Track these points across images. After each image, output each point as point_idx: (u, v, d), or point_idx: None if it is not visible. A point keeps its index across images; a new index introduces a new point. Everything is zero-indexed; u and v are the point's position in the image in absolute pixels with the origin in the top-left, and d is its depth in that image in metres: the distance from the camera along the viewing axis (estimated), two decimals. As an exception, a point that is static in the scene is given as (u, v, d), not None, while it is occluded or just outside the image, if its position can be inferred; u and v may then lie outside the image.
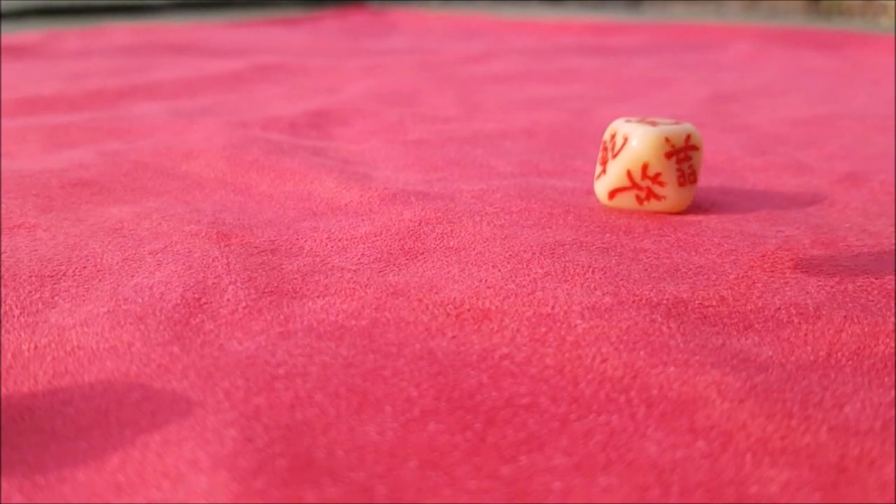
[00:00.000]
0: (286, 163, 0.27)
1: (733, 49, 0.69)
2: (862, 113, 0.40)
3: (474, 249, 0.19)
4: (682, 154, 0.22)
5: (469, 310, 0.16)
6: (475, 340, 0.15)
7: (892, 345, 0.15)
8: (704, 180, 0.27)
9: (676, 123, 0.22)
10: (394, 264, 0.19)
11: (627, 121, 0.23)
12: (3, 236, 0.21)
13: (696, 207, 0.23)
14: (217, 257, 0.19)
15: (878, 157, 0.31)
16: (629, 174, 0.22)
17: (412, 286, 0.17)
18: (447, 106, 0.41)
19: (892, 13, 1.09)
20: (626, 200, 0.22)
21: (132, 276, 0.18)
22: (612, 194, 0.22)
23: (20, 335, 0.16)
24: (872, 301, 0.17)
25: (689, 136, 0.22)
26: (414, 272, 0.18)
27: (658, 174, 0.22)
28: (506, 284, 0.17)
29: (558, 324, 0.16)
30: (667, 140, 0.22)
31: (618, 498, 0.11)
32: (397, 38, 0.77)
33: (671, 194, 0.22)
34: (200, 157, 0.28)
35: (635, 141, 0.22)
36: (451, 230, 0.21)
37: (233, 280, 0.18)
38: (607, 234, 0.20)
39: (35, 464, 0.12)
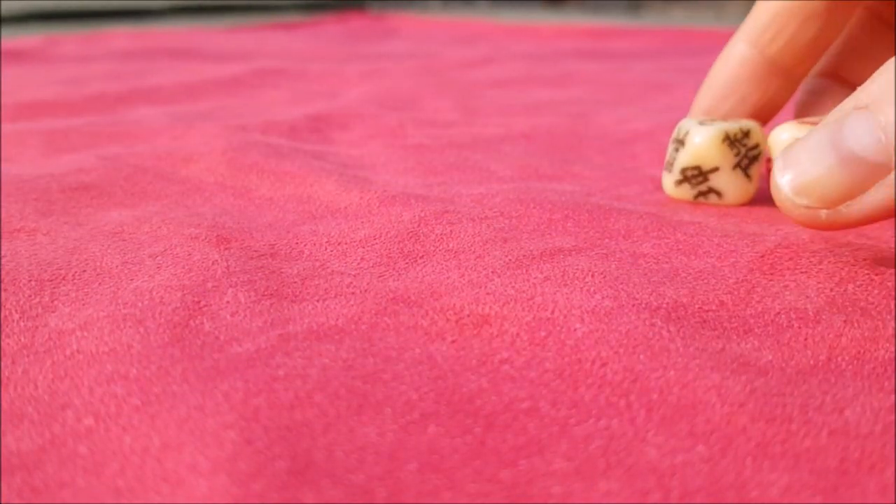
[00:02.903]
0: (286, 166, 0.27)
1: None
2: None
3: (473, 252, 0.19)
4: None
5: (468, 315, 0.16)
6: (475, 345, 0.15)
7: (893, 349, 0.15)
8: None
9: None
10: (393, 268, 0.19)
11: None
12: (2, 240, 0.21)
13: (694, 208, 0.23)
14: (217, 261, 0.19)
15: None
16: None
17: (412, 291, 0.17)
18: (447, 110, 0.41)
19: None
20: None
21: (132, 279, 0.18)
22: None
23: (20, 339, 0.16)
24: (872, 304, 0.17)
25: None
26: (413, 276, 0.18)
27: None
28: (505, 289, 0.17)
29: (558, 328, 0.16)
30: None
31: (618, 501, 0.11)
32: (397, 42, 0.77)
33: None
34: (200, 161, 0.28)
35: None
36: (451, 231, 0.21)
37: (232, 283, 0.18)
38: (606, 239, 0.20)
39: (34, 468, 0.12)
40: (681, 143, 0.23)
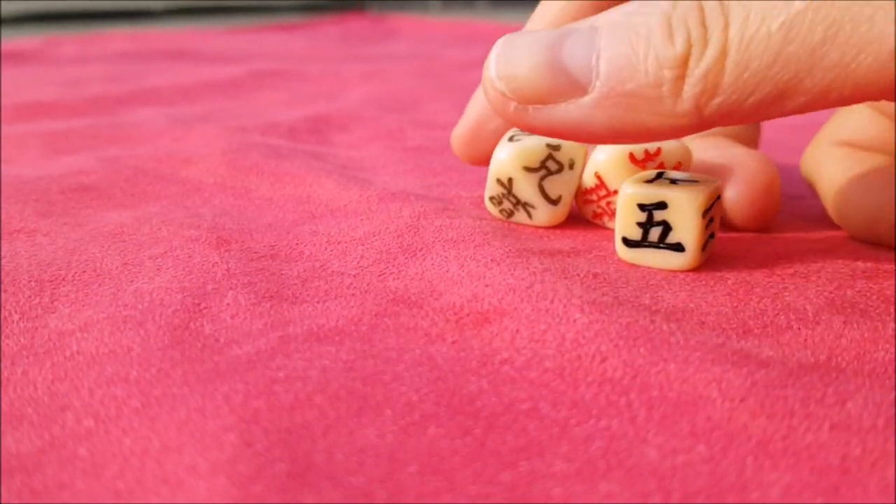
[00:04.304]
0: (285, 167, 0.27)
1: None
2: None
3: (473, 242, 0.19)
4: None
5: (468, 314, 0.16)
6: (475, 346, 0.15)
7: (893, 350, 0.15)
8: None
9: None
10: (392, 264, 0.19)
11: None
12: (2, 241, 0.21)
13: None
14: (217, 262, 0.19)
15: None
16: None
17: (411, 291, 0.17)
18: (446, 112, 0.41)
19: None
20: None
21: (132, 280, 0.18)
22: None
23: (20, 340, 0.16)
24: (872, 306, 0.17)
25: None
26: (413, 272, 0.18)
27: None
28: (504, 279, 0.17)
29: (557, 319, 0.15)
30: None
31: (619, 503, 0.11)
32: (396, 44, 0.77)
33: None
34: (200, 163, 0.28)
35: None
36: (450, 224, 0.21)
37: (232, 285, 0.18)
38: (605, 241, 0.20)
39: (34, 470, 0.12)
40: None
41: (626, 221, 0.18)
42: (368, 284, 0.18)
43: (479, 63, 0.61)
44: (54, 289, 0.18)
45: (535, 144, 0.20)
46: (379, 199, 0.23)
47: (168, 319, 0.16)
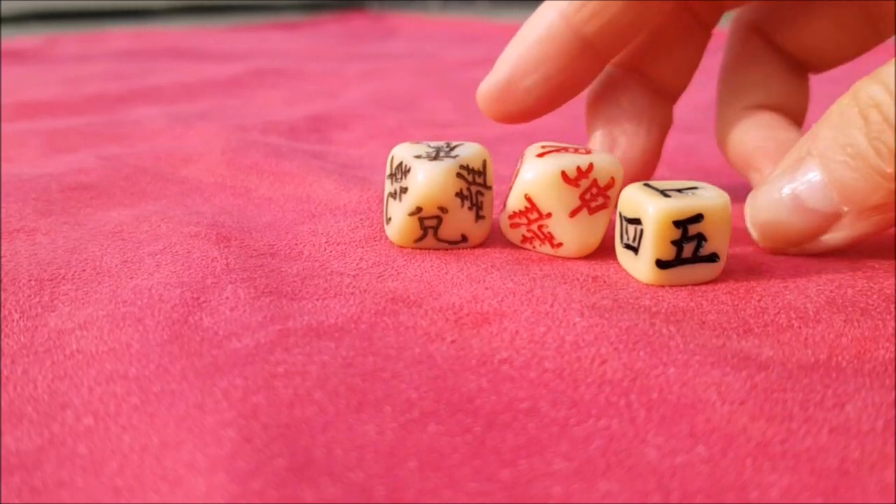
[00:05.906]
0: (285, 166, 0.27)
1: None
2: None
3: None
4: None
5: (468, 314, 0.16)
6: (474, 345, 0.15)
7: (893, 349, 0.15)
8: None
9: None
10: (392, 266, 0.19)
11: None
12: (2, 240, 0.21)
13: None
14: (216, 257, 0.19)
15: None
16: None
17: (411, 291, 0.17)
18: (446, 111, 0.41)
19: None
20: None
21: (131, 277, 0.18)
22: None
23: (20, 339, 0.16)
24: (872, 305, 0.17)
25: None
26: (412, 274, 0.18)
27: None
28: (504, 283, 0.17)
29: (557, 322, 0.15)
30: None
31: (618, 502, 0.11)
32: (396, 42, 0.77)
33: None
34: (200, 161, 0.28)
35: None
36: None
37: (232, 279, 0.18)
38: (606, 244, 0.20)
39: (33, 468, 0.12)
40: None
41: (660, 242, 0.17)
42: (368, 284, 0.18)
43: (479, 62, 0.61)
44: (54, 287, 0.18)
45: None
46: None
47: (167, 314, 0.16)
